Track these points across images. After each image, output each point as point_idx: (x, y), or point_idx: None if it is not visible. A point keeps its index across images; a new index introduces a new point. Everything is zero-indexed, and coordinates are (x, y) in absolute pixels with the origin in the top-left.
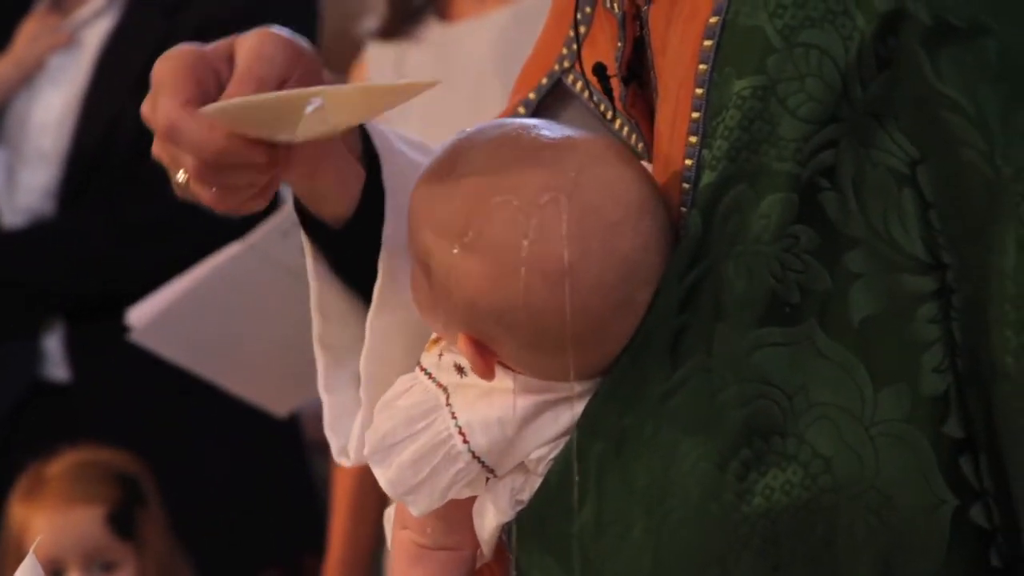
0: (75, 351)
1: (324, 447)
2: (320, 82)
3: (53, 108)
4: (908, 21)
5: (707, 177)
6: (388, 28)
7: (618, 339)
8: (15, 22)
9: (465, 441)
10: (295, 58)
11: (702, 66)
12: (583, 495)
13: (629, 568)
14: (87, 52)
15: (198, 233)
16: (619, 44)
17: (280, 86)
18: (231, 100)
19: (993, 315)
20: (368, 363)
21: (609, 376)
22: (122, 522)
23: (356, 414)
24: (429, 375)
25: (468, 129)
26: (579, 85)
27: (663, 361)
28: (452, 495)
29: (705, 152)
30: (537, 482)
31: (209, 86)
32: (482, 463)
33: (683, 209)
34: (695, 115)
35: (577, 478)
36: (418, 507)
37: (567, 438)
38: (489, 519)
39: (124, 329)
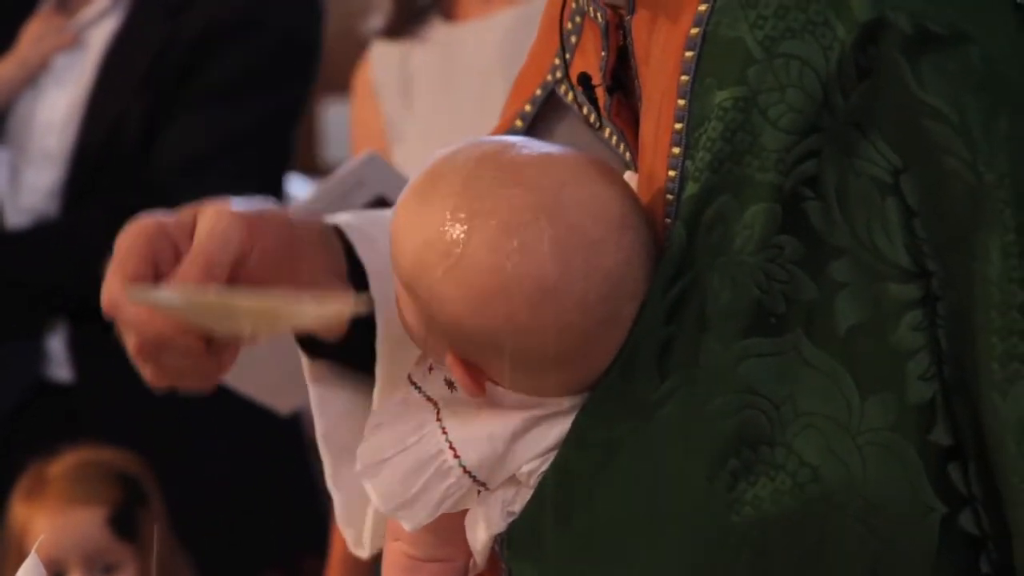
0: (78, 352)
1: None
2: (286, 249)
3: (57, 108)
4: (888, 30)
5: (690, 188)
6: (393, 27)
7: (605, 354)
8: (20, 22)
9: (456, 456)
10: (254, 234)
11: (684, 77)
12: (574, 507)
13: None
14: (92, 53)
15: None
16: (603, 53)
17: (235, 266)
18: (158, 293)
19: (978, 322)
20: None
21: (597, 389)
22: (123, 523)
23: (367, 506)
24: (419, 389)
25: (446, 149)
26: (570, 96)
27: (650, 373)
28: (444, 509)
29: (688, 163)
30: (528, 494)
31: (164, 260)
32: (473, 477)
33: (667, 220)
34: (678, 126)
35: (568, 490)
36: (411, 522)
37: (558, 451)
38: (481, 531)
39: None
